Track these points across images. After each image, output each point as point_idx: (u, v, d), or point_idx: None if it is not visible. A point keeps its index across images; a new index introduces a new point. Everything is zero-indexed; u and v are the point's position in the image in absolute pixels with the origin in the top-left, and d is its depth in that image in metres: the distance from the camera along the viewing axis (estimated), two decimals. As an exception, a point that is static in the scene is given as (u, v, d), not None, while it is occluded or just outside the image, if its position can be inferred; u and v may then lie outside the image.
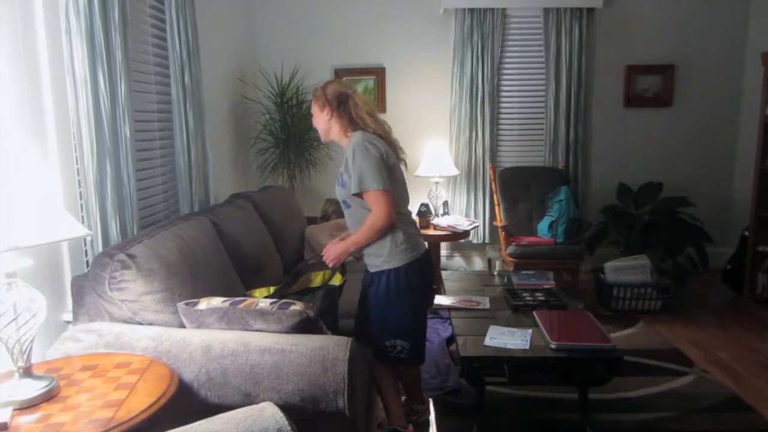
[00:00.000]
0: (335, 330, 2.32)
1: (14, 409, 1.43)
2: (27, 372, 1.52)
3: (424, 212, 4.53)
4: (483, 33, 4.89)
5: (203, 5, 3.42)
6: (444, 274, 3.54)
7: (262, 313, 1.88)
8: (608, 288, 4.20)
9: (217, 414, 1.32)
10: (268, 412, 1.33)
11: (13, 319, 1.46)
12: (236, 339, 1.82)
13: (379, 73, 5.06)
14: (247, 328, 1.90)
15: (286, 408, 1.63)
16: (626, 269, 4.22)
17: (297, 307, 1.89)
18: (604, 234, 4.86)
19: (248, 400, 1.70)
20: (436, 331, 3.74)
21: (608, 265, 4.27)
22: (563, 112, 5.00)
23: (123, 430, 1.37)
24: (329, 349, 1.78)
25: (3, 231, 1.38)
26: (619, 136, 5.22)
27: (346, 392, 1.73)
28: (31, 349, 1.53)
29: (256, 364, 1.75)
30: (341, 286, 2.43)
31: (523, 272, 3.41)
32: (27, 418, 1.41)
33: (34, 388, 1.49)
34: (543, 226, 4.47)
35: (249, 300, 1.95)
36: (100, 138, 2.23)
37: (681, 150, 5.23)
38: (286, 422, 1.30)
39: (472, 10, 4.85)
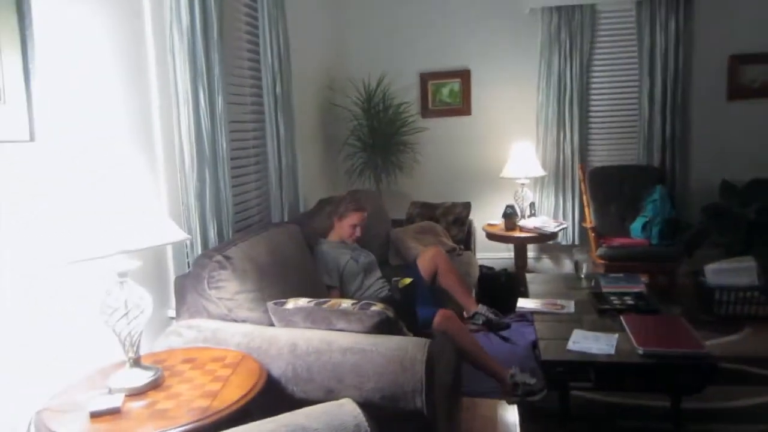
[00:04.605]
0: (415, 331, 2.38)
1: (125, 395, 1.61)
2: (136, 362, 1.70)
3: (510, 214, 4.49)
4: (571, 31, 4.77)
5: (294, 18, 3.58)
6: (528, 276, 3.49)
7: (345, 313, 1.97)
8: (709, 291, 3.97)
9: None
10: (347, 408, 1.40)
11: (124, 315, 1.64)
12: (320, 338, 1.92)
13: (464, 76, 5.06)
14: (331, 327, 2.00)
15: (366, 405, 1.70)
16: (729, 271, 3.97)
17: (377, 307, 1.97)
18: (705, 235, 4.58)
19: (331, 396, 1.80)
20: (522, 335, 3.70)
21: (709, 267, 4.03)
22: (659, 108, 4.77)
23: (218, 418, 1.50)
24: (408, 350, 1.85)
25: (116, 236, 1.56)
26: (721, 131, 4.89)
27: (424, 392, 1.79)
28: (139, 341, 1.70)
29: (339, 362, 1.84)
30: (408, 287, 2.53)
31: (612, 275, 3.30)
32: (136, 404, 1.58)
33: (142, 377, 1.66)
34: (636, 227, 4.30)
35: (332, 301, 2.05)
36: (200, 150, 2.42)
37: (793, 143, 4.83)
38: (364, 418, 1.37)
39: (559, 8, 4.75)
